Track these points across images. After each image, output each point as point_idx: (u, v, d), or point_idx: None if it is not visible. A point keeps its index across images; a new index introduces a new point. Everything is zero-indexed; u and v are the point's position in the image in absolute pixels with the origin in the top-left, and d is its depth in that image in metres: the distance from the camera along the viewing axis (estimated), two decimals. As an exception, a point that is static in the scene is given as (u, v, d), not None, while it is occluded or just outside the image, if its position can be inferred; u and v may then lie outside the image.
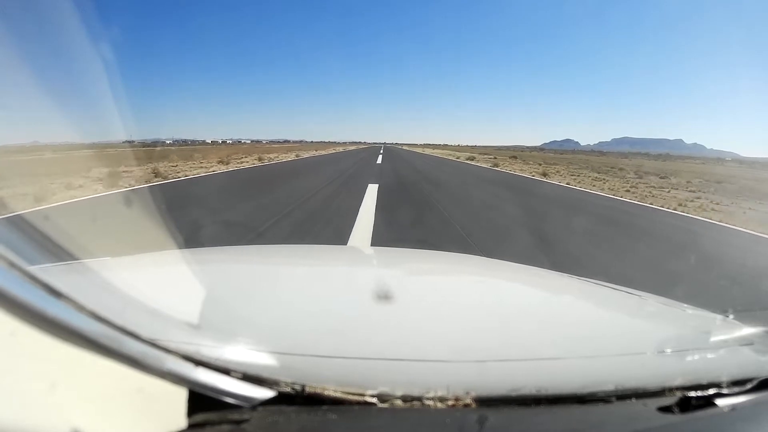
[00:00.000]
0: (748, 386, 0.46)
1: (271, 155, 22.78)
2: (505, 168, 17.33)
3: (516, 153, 43.73)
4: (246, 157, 18.86)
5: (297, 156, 24.05)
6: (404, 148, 76.39)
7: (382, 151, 36.09)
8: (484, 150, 66.24)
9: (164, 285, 0.74)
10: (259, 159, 17.60)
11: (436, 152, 47.72)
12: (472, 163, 22.17)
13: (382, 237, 3.69)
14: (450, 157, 29.93)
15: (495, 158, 27.06)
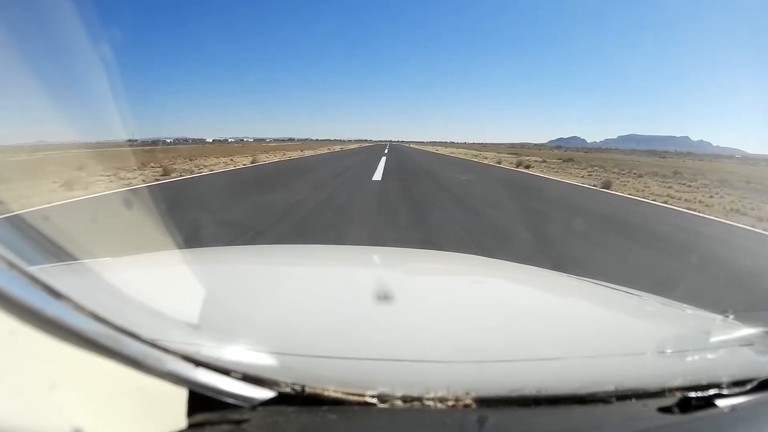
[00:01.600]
0: (748, 387, 0.46)
1: (218, 160, 15.62)
2: (633, 191, 8.90)
3: (569, 154, 35.44)
4: (179, 164, 12.42)
5: (253, 162, 15.25)
6: (411, 146, 66.65)
7: (386, 151, 27.70)
8: (500, 148, 57.84)
9: (164, 285, 0.74)
10: (164, 172, 9.99)
11: (452, 152, 37.86)
12: (542, 175, 12.49)
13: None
14: (483, 160, 21.12)
15: (544, 161, 20.15)
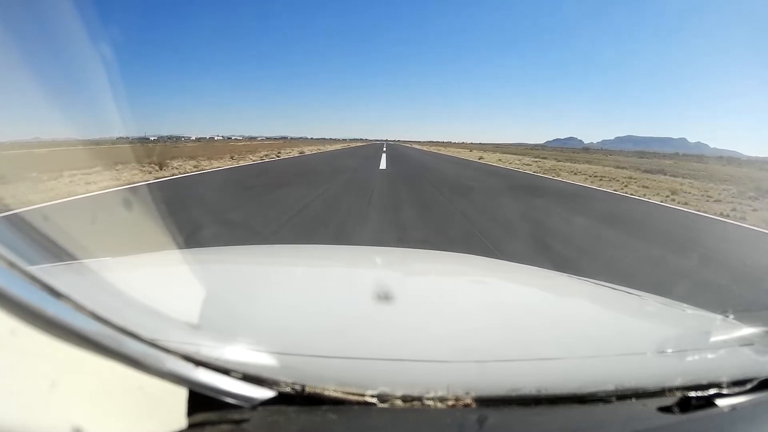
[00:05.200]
0: (748, 386, 0.46)
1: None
2: None
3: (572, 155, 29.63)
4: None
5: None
6: (414, 146, 59.10)
7: (384, 165, 12.76)
8: (504, 149, 52.82)
9: (164, 285, 0.74)
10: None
11: (480, 156, 23.72)
12: None
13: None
14: (557, 176, 11.49)
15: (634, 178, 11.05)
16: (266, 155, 17.94)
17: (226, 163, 12.53)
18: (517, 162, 19.20)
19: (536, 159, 23.14)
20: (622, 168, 17.68)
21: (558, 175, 12.19)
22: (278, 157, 17.59)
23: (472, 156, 25.19)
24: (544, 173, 12.98)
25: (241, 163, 13.22)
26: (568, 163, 19.84)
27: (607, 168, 17.22)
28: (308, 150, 27.75)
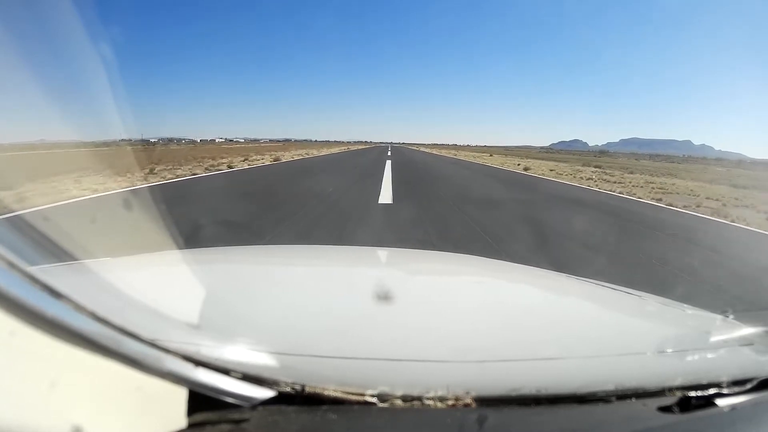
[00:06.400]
0: (748, 386, 0.46)
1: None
2: None
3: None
4: None
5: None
6: (421, 149, 57.53)
7: (389, 178, 8.39)
8: (520, 152, 50.96)
9: (164, 285, 0.74)
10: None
11: (524, 166, 15.96)
12: None
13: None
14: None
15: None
16: (216, 165, 11.87)
17: (137, 183, 6.89)
18: (586, 176, 12.95)
19: (596, 169, 17.11)
20: (738, 187, 12.16)
21: (696, 209, 6.77)
22: (230, 168, 11.26)
23: (506, 164, 18.88)
24: (683, 207, 6.86)
25: (154, 181, 7.25)
26: (632, 175, 14.38)
27: (708, 185, 12.32)
28: (294, 155, 20.75)
